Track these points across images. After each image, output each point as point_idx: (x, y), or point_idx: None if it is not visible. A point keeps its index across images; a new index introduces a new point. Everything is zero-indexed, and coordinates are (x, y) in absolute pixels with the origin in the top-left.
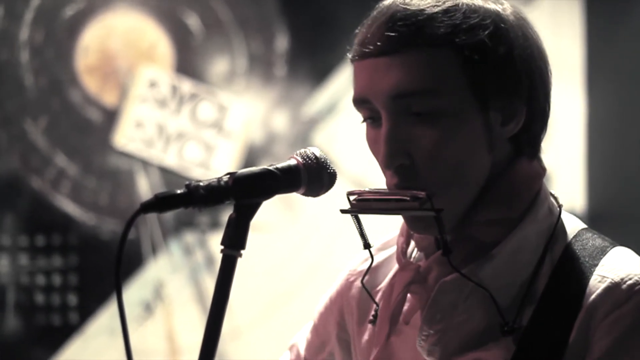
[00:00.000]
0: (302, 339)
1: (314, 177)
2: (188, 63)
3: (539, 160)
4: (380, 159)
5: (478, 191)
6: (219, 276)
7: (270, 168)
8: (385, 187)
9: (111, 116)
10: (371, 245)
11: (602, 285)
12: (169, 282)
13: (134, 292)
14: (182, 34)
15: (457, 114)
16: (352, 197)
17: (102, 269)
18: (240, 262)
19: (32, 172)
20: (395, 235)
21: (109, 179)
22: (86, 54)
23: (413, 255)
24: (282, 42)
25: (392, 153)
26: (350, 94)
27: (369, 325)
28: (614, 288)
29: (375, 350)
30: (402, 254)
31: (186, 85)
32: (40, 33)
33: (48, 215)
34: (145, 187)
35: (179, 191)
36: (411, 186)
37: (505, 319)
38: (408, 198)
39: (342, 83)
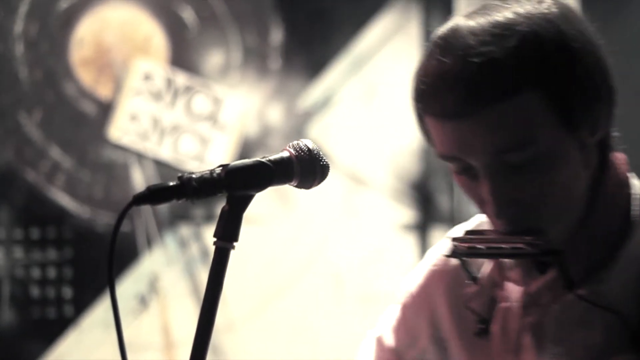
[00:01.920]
0: (387, 332)
1: (306, 169)
2: (183, 56)
3: (625, 161)
4: (490, 212)
5: (581, 207)
6: (212, 268)
7: (263, 160)
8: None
9: (106, 109)
10: (478, 279)
11: None
12: (164, 275)
13: (129, 285)
14: (177, 27)
15: (555, 151)
16: (458, 243)
17: (97, 262)
18: (234, 254)
19: (26, 165)
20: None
21: (103, 172)
22: (81, 47)
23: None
24: (277, 35)
25: (501, 206)
26: (345, 86)
27: (473, 334)
28: None
29: None
30: (499, 271)
31: (181, 78)
32: (34, 26)
33: (43, 208)
34: (140, 180)
35: (171, 183)
36: (524, 229)
37: (635, 333)
38: (523, 246)
39: (336, 76)
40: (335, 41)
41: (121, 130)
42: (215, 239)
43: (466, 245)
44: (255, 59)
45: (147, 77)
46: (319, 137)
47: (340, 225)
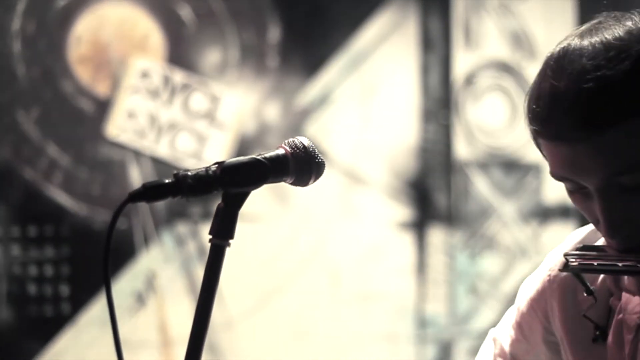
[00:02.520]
0: (504, 334)
1: (302, 166)
2: (180, 54)
3: None
4: (603, 231)
5: None
6: (208, 266)
7: (259, 157)
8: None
9: (103, 107)
10: (593, 292)
11: None
12: (161, 273)
13: (126, 282)
14: (175, 24)
15: None
16: (572, 260)
17: (94, 260)
18: (232, 253)
19: (24, 162)
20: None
21: (101, 169)
22: (78, 45)
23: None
24: (274, 33)
25: (614, 226)
26: (342, 85)
27: (588, 340)
28: None
29: None
30: (615, 281)
31: (178, 76)
32: (32, 23)
33: (40, 205)
34: (137, 178)
35: (167, 181)
36: (636, 247)
37: None
38: (636, 264)
39: (334, 74)
40: (333, 39)
41: (119, 127)
42: (210, 237)
43: (579, 261)
44: (252, 56)
45: (145, 75)
46: (317, 135)
47: (338, 223)
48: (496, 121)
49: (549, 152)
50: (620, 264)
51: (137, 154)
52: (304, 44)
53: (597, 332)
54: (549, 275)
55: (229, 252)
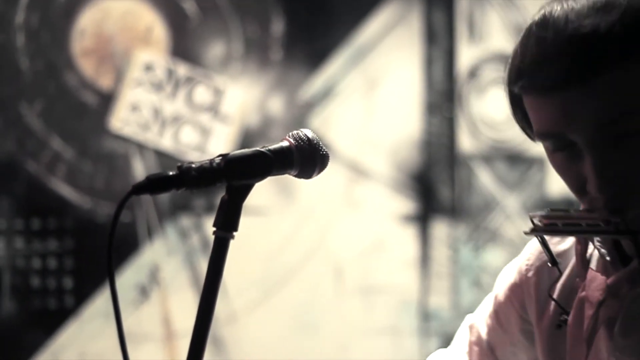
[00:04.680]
0: (481, 321)
1: (306, 158)
2: (184, 47)
3: None
4: (592, 188)
5: None
6: (212, 258)
7: (263, 149)
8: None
9: (107, 100)
10: (558, 263)
11: None
12: (165, 266)
13: (130, 275)
14: (178, 17)
15: None
16: (536, 220)
17: (97, 253)
18: (235, 245)
19: (27, 155)
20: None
21: (104, 162)
22: (82, 38)
23: (589, 253)
24: (278, 26)
25: (605, 181)
26: (346, 78)
27: (553, 325)
28: None
29: None
30: (582, 260)
31: (182, 69)
32: (35, 16)
33: (44, 198)
34: (141, 171)
35: (170, 173)
36: (625, 206)
37: None
38: (601, 223)
39: (338, 67)
40: (337, 32)
41: (122, 120)
42: (214, 229)
43: (545, 222)
44: (256, 49)
45: (148, 68)
46: (320, 128)
47: (341, 216)
48: (500, 114)
49: (537, 109)
50: (584, 223)
51: (141, 147)
52: (308, 37)
53: (562, 317)
54: (527, 264)
55: (232, 245)
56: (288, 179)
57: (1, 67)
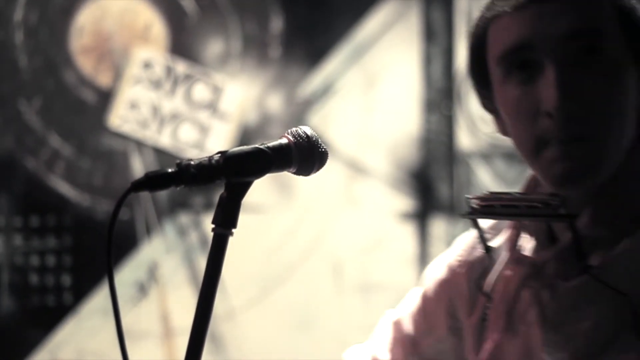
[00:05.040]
0: (406, 317)
1: (305, 155)
2: (183, 44)
3: None
4: (549, 106)
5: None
6: (210, 255)
7: (261, 147)
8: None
9: (105, 97)
10: (491, 250)
11: None
12: (163, 263)
13: (128, 273)
14: (177, 15)
15: (619, 61)
16: (474, 202)
17: (96, 250)
18: (234, 243)
19: (26, 152)
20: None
21: (103, 159)
22: (81, 35)
23: (520, 242)
24: (277, 24)
25: (564, 97)
26: (345, 75)
27: (480, 319)
28: None
29: (488, 345)
30: (512, 244)
31: (181, 67)
32: (34, 13)
33: (42, 195)
34: (139, 168)
35: (169, 170)
36: (579, 132)
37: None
38: (540, 205)
39: (337, 65)
40: (336, 29)
41: (121, 118)
42: (213, 226)
43: (482, 204)
44: (255, 47)
45: (147, 65)
46: (319, 125)
47: (340, 213)
48: None
49: (508, 27)
50: (521, 204)
51: (140, 145)
52: (307, 35)
53: (487, 307)
54: (458, 260)
55: (231, 243)
56: (287, 176)
57: (0, 64)
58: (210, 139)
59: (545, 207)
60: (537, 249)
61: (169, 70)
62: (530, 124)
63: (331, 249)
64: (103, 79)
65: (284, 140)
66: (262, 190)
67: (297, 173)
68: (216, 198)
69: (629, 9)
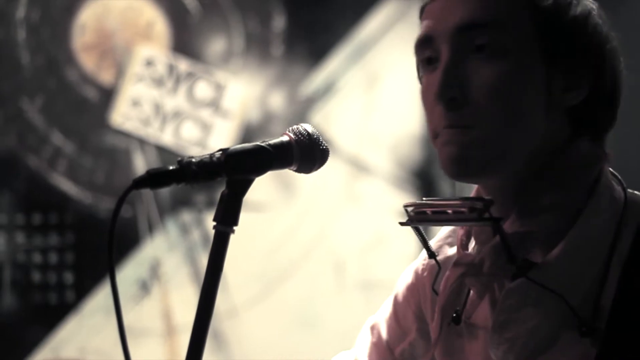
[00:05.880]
0: (382, 322)
1: (306, 153)
2: (185, 42)
3: (602, 145)
4: (434, 91)
5: (532, 165)
6: (212, 252)
7: (263, 144)
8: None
9: (108, 95)
10: (436, 255)
11: None
12: (166, 261)
13: (130, 270)
14: (179, 12)
15: (520, 56)
16: (409, 209)
17: (98, 248)
18: (236, 241)
19: (28, 150)
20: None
21: (105, 157)
22: (83, 33)
23: (471, 246)
24: (279, 22)
25: (447, 83)
26: (347, 73)
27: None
28: None
29: (433, 345)
30: (461, 246)
31: (183, 64)
32: (36, 11)
33: (44, 193)
34: (141, 166)
35: (171, 167)
36: (458, 120)
37: (581, 318)
38: (466, 210)
39: (339, 63)
40: (338, 28)
41: (123, 116)
42: (215, 223)
43: (416, 211)
44: (257, 45)
45: (149, 63)
46: (321, 123)
47: (342, 212)
48: None
49: (423, 19)
50: (450, 211)
51: (142, 142)
52: (309, 33)
53: (455, 315)
54: (423, 264)
55: (233, 241)
56: (289, 174)
57: (2, 62)
58: (213, 136)
59: (471, 212)
60: (478, 249)
61: (171, 68)
62: (430, 113)
63: (333, 247)
64: (105, 77)
65: (285, 138)
66: (264, 189)
67: (299, 171)
68: (218, 196)
69: (546, 6)
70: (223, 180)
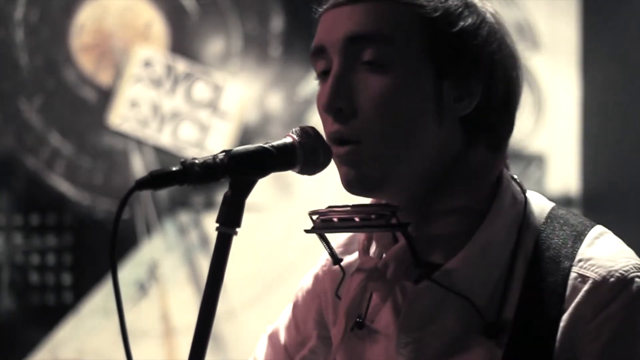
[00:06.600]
0: (281, 329)
1: (309, 155)
2: (183, 43)
3: (500, 151)
4: (322, 100)
5: (432, 174)
6: (214, 254)
7: (266, 146)
8: (347, 202)
9: (106, 96)
10: (341, 261)
11: (585, 287)
12: (164, 262)
13: (128, 272)
14: (178, 13)
15: (408, 69)
16: (314, 217)
17: (96, 249)
18: (235, 242)
19: (26, 151)
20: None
21: (103, 158)
22: (81, 34)
23: (372, 250)
24: (277, 23)
25: (335, 93)
26: None
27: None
28: (597, 288)
29: (335, 351)
30: (363, 251)
31: (181, 65)
32: (35, 12)
33: (43, 194)
34: (139, 167)
35: (174, 168)
36: (343, 134)
37: (487, 320)
38: (373, 217)
39: None
40: None
41: (121, 116)
42: (217, 225)
43: (322, 219)
44: (255, 46)
45: (148, 64)
46: (319, 124)
47: None
48: None
49: (324, 21)
50: (357, 218)
51: (140, 143)
52: (307, 34)
53: (358, 319)
54: (323, 269)
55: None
56: (287, 175)
57: (0, 63)
58: (211, 137)
59: (378, 218)
60: (380, 253)
61: (169, 69)
62: (323, 124)
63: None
64: (103, 78)
65: (288, 140)
66: (262, 190)
67: (301, 172)
68: (217, 197)
69: (434, 18)
70: (225, 182)
